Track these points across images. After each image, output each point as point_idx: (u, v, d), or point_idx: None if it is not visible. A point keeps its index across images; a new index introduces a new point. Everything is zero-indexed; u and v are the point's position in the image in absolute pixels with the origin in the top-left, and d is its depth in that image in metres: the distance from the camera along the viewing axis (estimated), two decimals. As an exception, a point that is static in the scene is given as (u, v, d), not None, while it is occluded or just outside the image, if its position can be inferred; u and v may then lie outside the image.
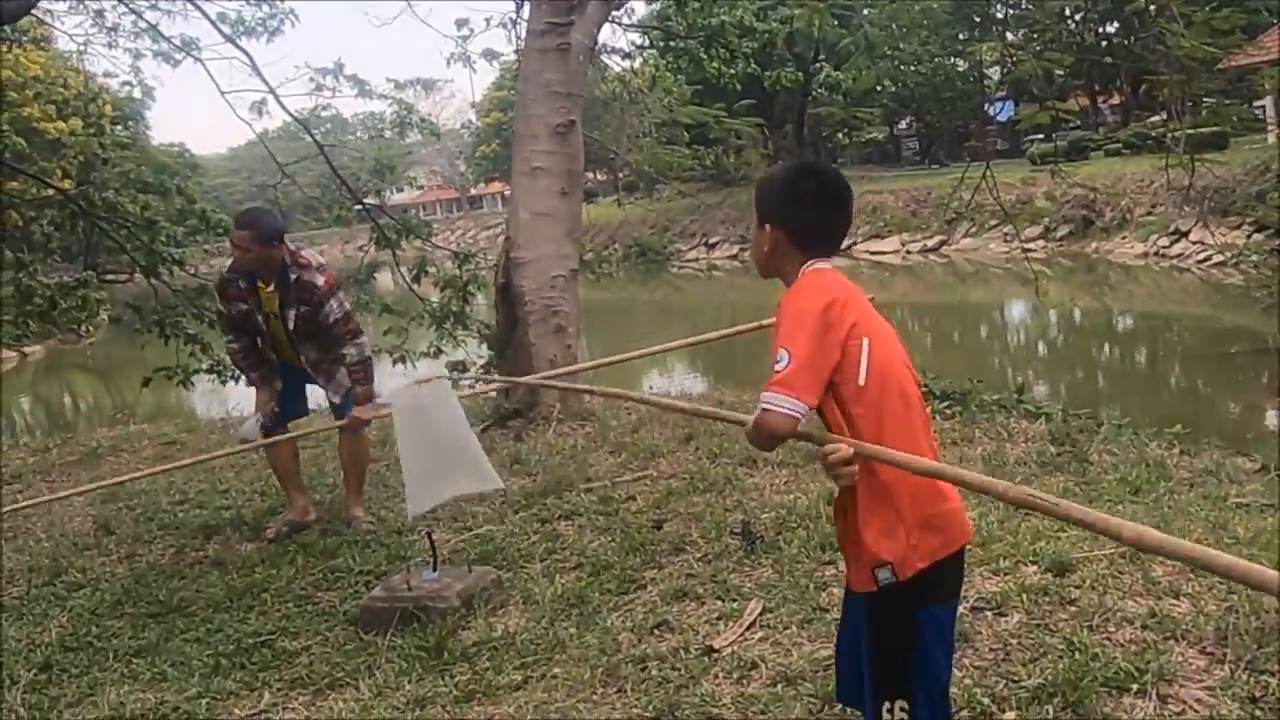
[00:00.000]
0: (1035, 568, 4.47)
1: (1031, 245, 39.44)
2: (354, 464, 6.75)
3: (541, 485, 6.80)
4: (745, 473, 6.57)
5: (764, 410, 2.59)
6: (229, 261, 6.58)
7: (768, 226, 2.85)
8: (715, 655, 4.12)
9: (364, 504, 6.80)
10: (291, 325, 6.39)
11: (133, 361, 18.50)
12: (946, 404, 7.63)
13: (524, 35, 8.80)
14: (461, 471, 4.98)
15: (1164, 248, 33.22)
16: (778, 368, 2.59)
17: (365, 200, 16.35)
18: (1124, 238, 36.11)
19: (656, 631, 4.45)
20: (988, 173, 15.48)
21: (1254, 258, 27.01)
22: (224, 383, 16.18)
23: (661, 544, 5.51)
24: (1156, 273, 31.85)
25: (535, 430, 8.13)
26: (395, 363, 13.44)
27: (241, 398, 17.25)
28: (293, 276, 6.28)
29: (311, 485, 7.34)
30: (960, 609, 4.05)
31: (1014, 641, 3.84)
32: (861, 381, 2.65)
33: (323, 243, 55.84)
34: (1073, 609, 4.04)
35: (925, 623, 2.72)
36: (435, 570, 5.11)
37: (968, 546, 2.94)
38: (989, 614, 4.10)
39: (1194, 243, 31.83)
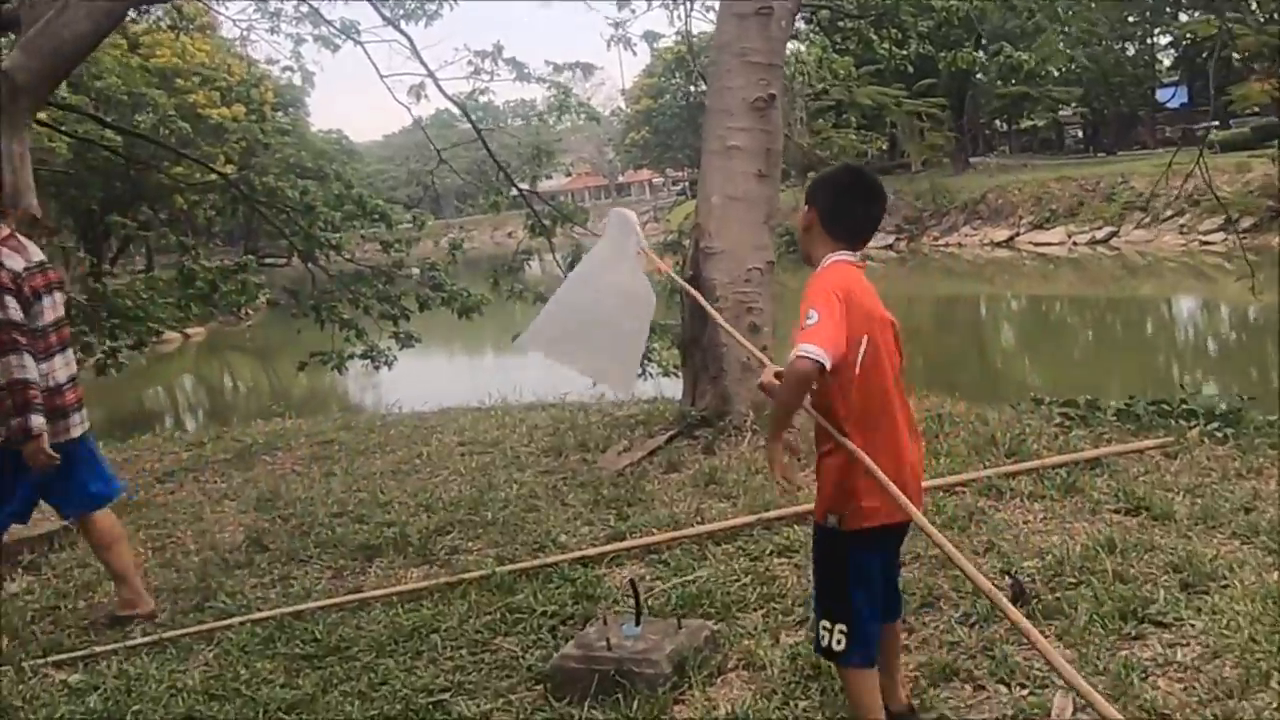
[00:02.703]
0: None
1: (1211, 238, 37.38)
2: (104, 553, 5.56)
3: (745, 511, 5.91)
4: (990, 505, 5.56)
5: (799, 357, 3.03)
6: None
7: (807, 207, 3.36)
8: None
9: (136, 594, 5.53)
10: None
11: (289, 344, 18.32)
12: (1214, 425, 6.50)
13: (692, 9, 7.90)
14: (608, 353, 4.11)
15: (1355, 240, 30.98)
16: (808, 323, 3.07)
17: (520, 186, 15.96)
18: (1319, 231, 33.75)
19: (935, 731, 3.52)
20: (1201, 160, 14.21)
21: None
22: (377, 368, 15.98)
23: (905, 596, 4.56)
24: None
25: (727, 442, 7.23)
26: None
27: (394, 385, 16.97)
28: None
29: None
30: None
31: None
32: (857, 370, 3.16)
33: (473, 229, 56.00)
34: None
35: (855, 564, 3.28)
36: (638, 624, 4.26)
37: None
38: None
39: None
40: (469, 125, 16.52)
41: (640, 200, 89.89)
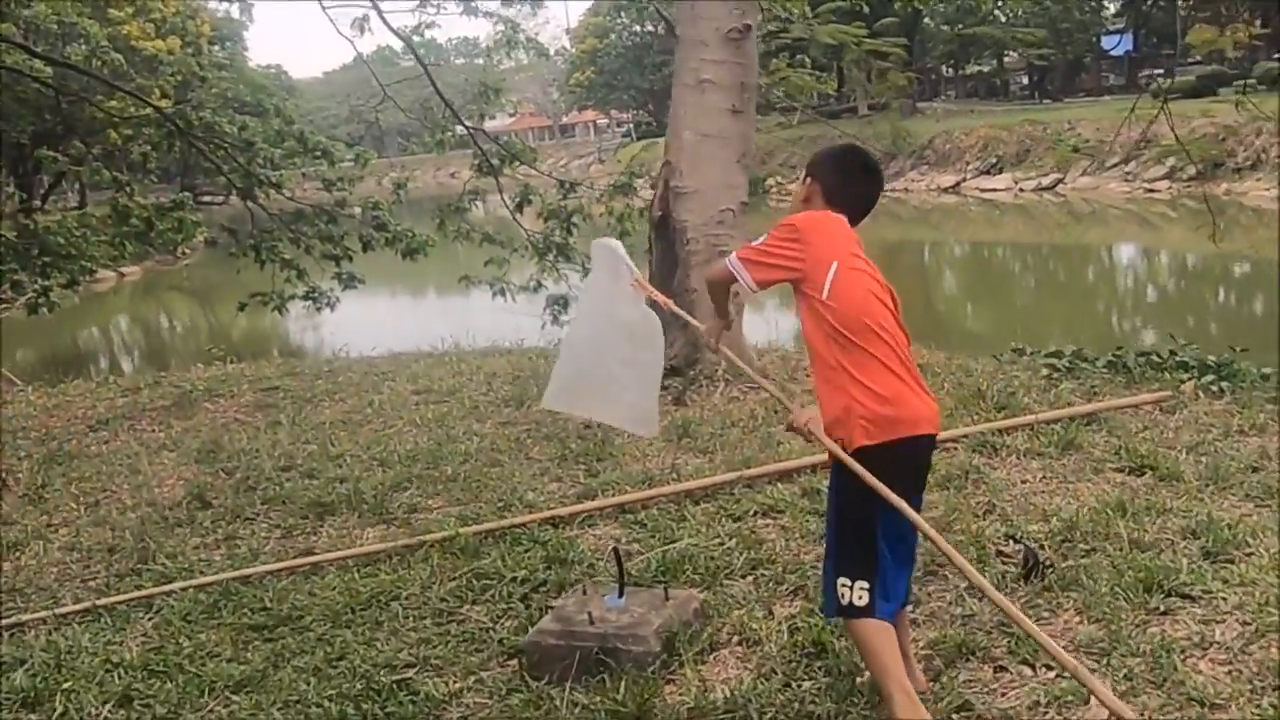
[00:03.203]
0: None
1: (1156, 185, 37.51)
2: None
3: (722, 467, 5.56)
4: (984, 462, 5.24)
5: (726, 265, 3.28)
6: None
7: (809, 179, 3.37)
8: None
9: None
10: None
11: (229, 284, 17.85)
12: (1209, 378, 6.22)
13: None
14: (627, 395, 3.75)
15: (1302, 190, 31.13)
16: (755, 242, 3.25)
17: (467, 124, 15.51)
18: (1258, 179, 33.85)
19: None
20: (1165, 107, 13.98)
21: None
22: (319, 309, 15.53)
23: (905, 563, 4.25)
24: (1293, 215, 29.54)
25: (699, 393, 6.88)
26: (495, 295, 12.60)
27: (339, 328, 16.51)
28: None
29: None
30: None
31: None
32: (825, 295, 3.11)
33: (415, 169, 54.90)
34: None
35: (882, 508, 3.08)
36: (621, 596, 3.90)
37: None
38: None
39: (1336, 184, 29.87)
40: (412, 62, 15.98)
41: (585, 141, 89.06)
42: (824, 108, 48.63)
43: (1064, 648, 3.44)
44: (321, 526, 5.47)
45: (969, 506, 4.70)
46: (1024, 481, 4.98)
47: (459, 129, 15.90)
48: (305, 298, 15.33)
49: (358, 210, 16.19)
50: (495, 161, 14.66)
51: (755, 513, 4.96)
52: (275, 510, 5.73)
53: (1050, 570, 3.96)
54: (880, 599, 3.09)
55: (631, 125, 78.18)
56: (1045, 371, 6.65)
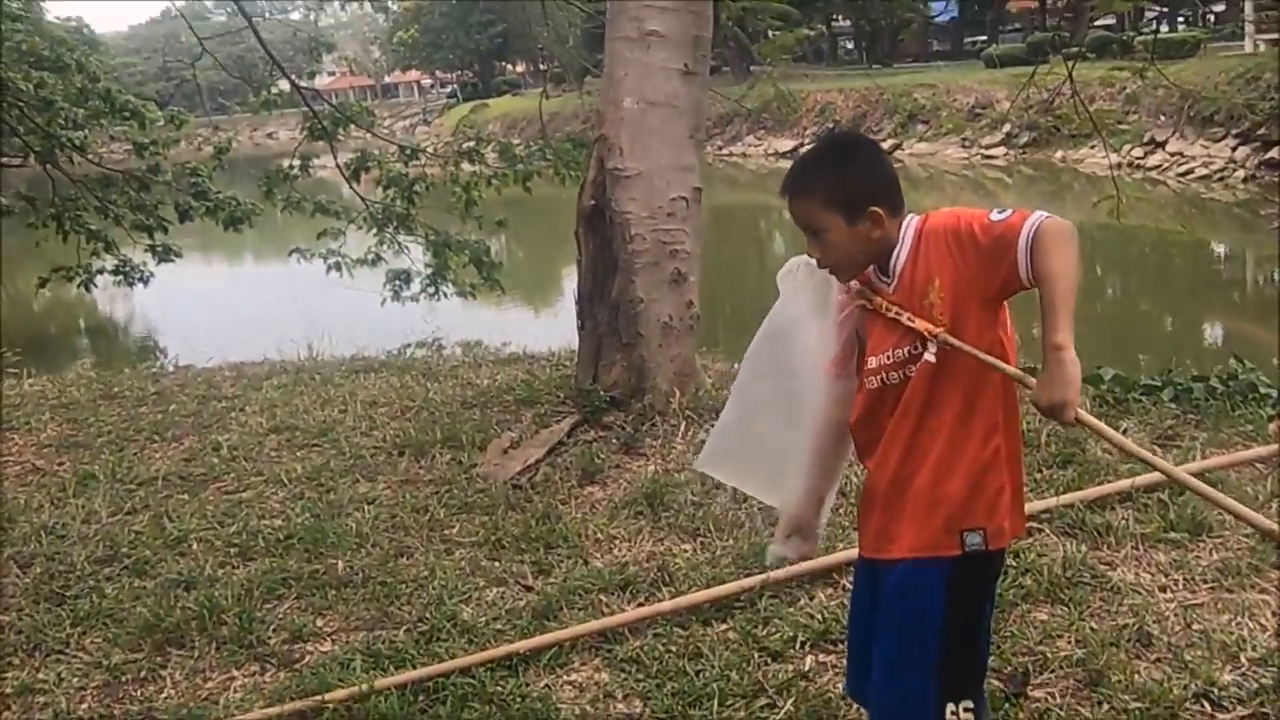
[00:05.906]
0: None
1: (992, 152, 37.77)
2: None
3: (726, 559, 4.07)
4: (1093, 554, 3.85)
5: (1044, 221, 2.19)
6: None
7: (871, 210, 2.35)
8: None
9: None
10: None
11: (27, 255, 15.98)
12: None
13: None
14: (773, 458, 2.64)
15: (1138, 159, 31.55)
16: (1005, 215, 2.26)
17: (298, 82, 14.12)
18: (1093, 146, 34.10)
19: None
20: (1071, 74, 13.21)
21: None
22: (130, 285, 14.13)
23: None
24: (1130, 185, 29.69)
25: (655, 437, 5.35)
26: (329, 270, 11.59)
27: (154, 304, 14.69)
28: None
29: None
30: None
31: None
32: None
33: (228, 130, 51.93)
34: None
35: (988, 610, 2.50)
36: None
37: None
38: None
39: (1172, 154, 30.35)
40: (224, 18, 14.63)
41: (409, 103, 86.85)
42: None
43: None
44: (163, 667, 3.76)
45: (1110, 636, 3.31)
46: (1164, 590, 3.60)
47: (281, 86, 14.57)
48: (115, 273, 13.91)
49: (168, 176, 14.84)
50: (327, 124, 13.25)
51: (802, 642, 3.49)
52: (93, 635, 3.97)
53: (1328, 780, 2.62)
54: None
55: (457, 86, 76.49)
56: (1086, 403, 5.33)
